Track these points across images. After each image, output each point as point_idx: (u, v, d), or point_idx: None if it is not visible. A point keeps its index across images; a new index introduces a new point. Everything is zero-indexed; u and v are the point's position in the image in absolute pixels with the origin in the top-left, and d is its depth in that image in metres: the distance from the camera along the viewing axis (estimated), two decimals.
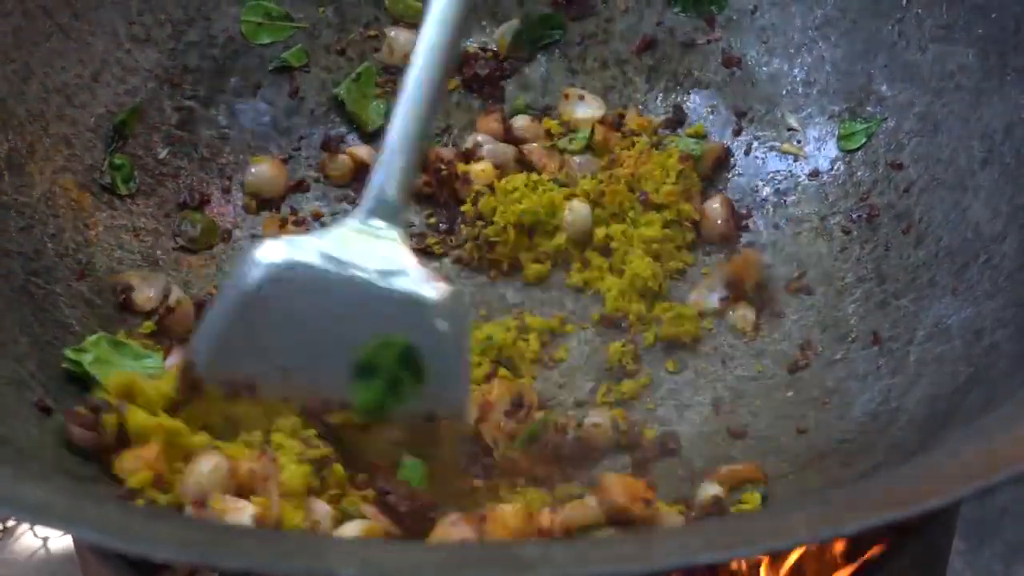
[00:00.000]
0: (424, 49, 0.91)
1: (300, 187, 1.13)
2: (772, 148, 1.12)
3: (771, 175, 1.12)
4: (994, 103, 1.02)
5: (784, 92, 1.13)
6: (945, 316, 0.97)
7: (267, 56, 1.16)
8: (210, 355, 0.90)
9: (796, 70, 1.13)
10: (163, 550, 0.68)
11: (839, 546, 0.94)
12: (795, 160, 1.11)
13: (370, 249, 0.89)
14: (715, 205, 1.09)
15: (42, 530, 1.36)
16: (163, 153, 1.11)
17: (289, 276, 0.89)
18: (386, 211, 0.90)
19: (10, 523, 1.37)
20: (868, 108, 1.09)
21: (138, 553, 0.69)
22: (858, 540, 0.93)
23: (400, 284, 0.88)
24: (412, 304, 0.88)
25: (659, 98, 1.16)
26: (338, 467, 0.88)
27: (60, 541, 1.36)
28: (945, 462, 0.76)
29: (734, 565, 0.94)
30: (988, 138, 1.02)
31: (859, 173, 1.09)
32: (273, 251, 0.89)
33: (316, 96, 1.17)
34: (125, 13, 1.12)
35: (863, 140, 1.09)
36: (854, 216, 1.07)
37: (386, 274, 0.88)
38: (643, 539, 0.71)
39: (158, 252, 1.08)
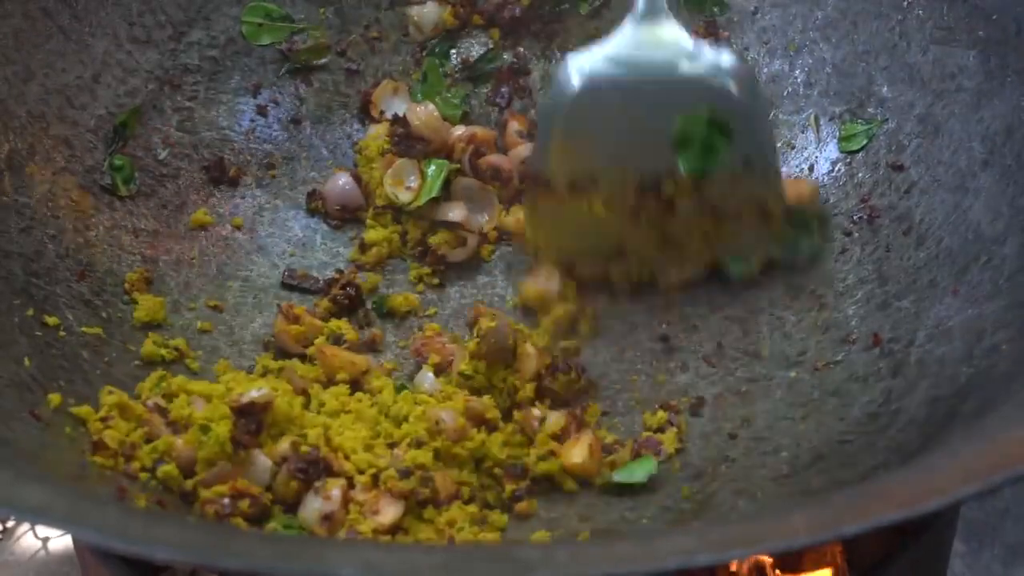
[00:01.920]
0: None
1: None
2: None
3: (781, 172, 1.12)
4: (995, 105, 1.02)
5: (785, 93, 1.13)
6: (946, 317, 0.97)
7: (267, 57, 1.16)
8: (548, 163, 1.03)
9: (797, 71, 1.13)
10: (163, 551, 0.68)
11: (839, 548, 0.94)
12: (796, 161, 1.11)
13: (656, 40, 1.02)
14: None
15: (42, 531, 1.36)
16: (163, 154, 1.11)
17: (595, 88, 1.02)
18: (656, 5, 1.02)
19: (10, 524, 1.37)
20: (869, 109, 1.10)
21: (138, 554, 0.70)
22: (858, 541, 0.93)
23: (692, 63, 1.01)
24: (708, 77, 1.01)
25: None
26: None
27: (60, 542, 1.36)
28: (945, 463, 0.76)
29: (733, 566, 0.94)
30: (989, 140, 1.02)
31: (860, 174, 1.09)
32: (573, 74, 1.02)
33: (316, 96, 1.17)
34: (125, 14, 1.12)
35: (864, 141, 1.09)
36: (855, 217, 1.07)
37: (676, 58, 1.01)
38: (642, 539, 0.71)
39: (159, 253, 1.08)
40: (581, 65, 1.03)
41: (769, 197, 1.04)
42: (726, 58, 1.02)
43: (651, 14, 1.03)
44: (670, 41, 1.02)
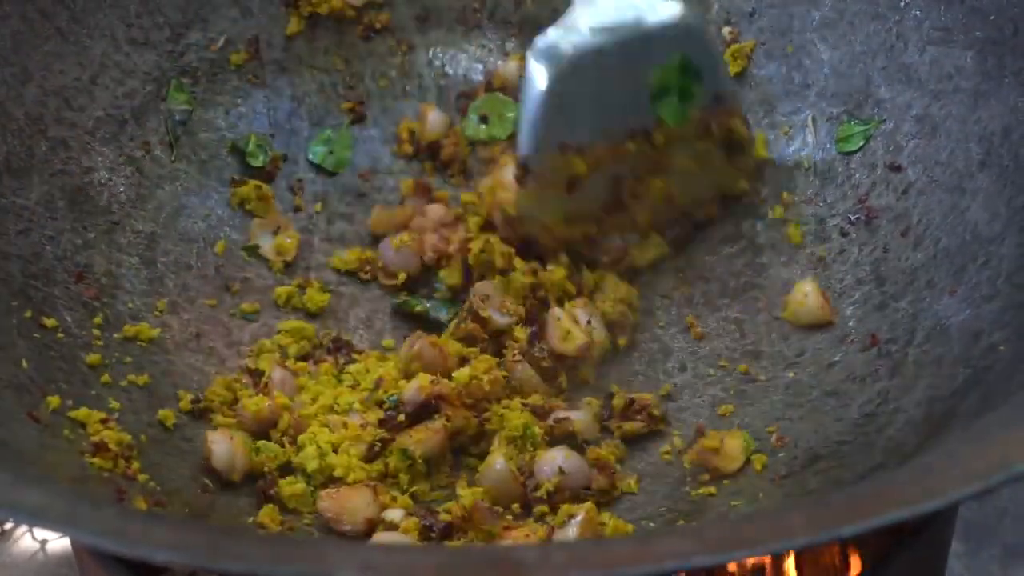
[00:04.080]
0: None
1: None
2: (771, 150, 1.12)
3: (769, 177, 1.12)
4: (992, 105, 1.02)
5: (782, 94, 1.13)
6: (943, 318, 0.97)
7: (266, 58, 1.16)
8: (534, 148, 1.05)
9: (794, 72, 1.13)
10: (162, 553, 0.68)
11: (837, 548, 0.94)
12: (793, 162, 1.11)
13: (608, 4, 1.05)
14: None
15: (40, 532, 1.36)
16: (162, 156, 1.11)
17: (567, 64, 1.04)
18: None
19: (8, 525, 1.37)
20: (866, 110, 1.09)
21: (136, 556, 0.70)
22: (857, 542, 0.93)
23: (651, 16, 1.05)
24: (668, 26, 1.05)
25: None
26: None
27: (58, 543, 1.35)
28: (944, 464, 0.76)
29: (732, 567, 0.94)
30: (986, 140, 1.02)
31: (857, 175, 1.09)
32: (543, 57, 1.04)
33: (315, 97, 1.17)
34: (123, 16, 1.12)
35: (861, 142, 1.09)
36: (852, 218, 1.07)
37: (635, 14, 1.05)
38: (641, 541, 0.71)
39: (157, 255, 1.08)
40: (548, 46, 1.04)
41: (739, 127, 1.09)
42: (674, 4, 1.05)
43: None
44: (623, 2, 1.05)
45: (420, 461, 0.96)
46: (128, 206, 1.08)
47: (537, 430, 0.97)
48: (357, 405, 1.00)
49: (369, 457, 0.97)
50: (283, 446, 0.98)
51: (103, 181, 1.08)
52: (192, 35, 1.15)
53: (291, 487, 0.96)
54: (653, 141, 1.07)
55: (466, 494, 0.93)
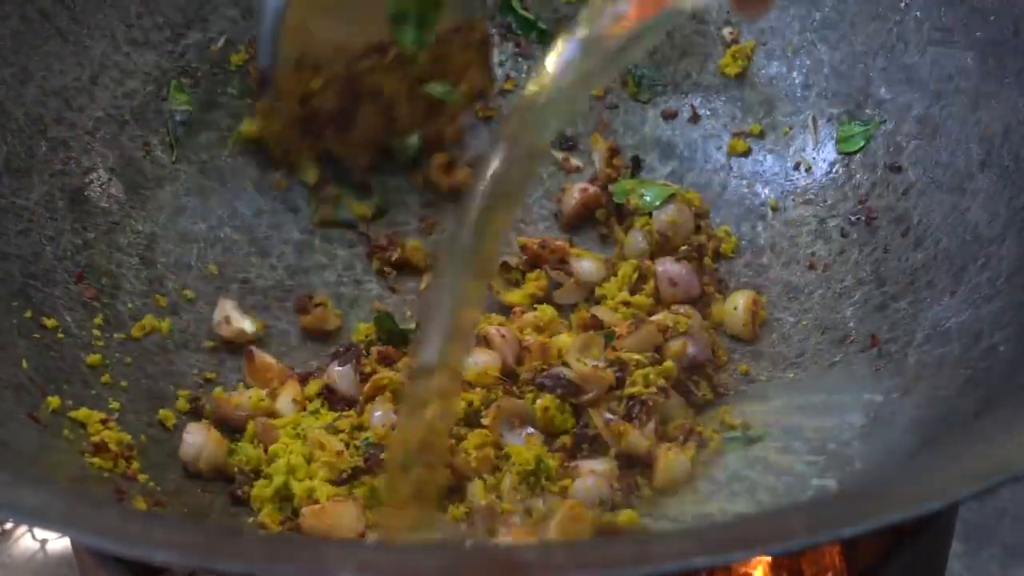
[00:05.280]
0: None
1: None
2: (771, 151, 1.12)
3: (770, 178, 1.12)
4: (993, 106, 1.02)
5: (783, 95, 1.13)
6: (944, 318, 0.97)
7: None
8: (273, 56, 1.08)
9: (795, 73, 1.13)
10: (161, 553, 0.68)
11: (837, 548, 0.94)
12: (793, 163, 1.11)
13: None
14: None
15: (40, 532, 1.36)
16: (162, 156, 1.11)
17: None
18: None
19: (8, 525, 1.37)
20: (867, 111, 1.09)
21: (136, 556, 0.69)
22: (857, 542, 0.93)
23: None
24: None
25: (649, 112, 1.16)
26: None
27: (58, 543, 1.35)
28: (944, 464, 0.76)
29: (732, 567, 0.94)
30: (987, 141, 1.02)
31: (858, 176, 1.09)
32: None
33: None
34: (123, 16, 1.12)
35: (862, 143, 1.09)
36: (853, 219, 1.07)
37: None
38: (640, 541, 0.71)
39: (157, 255, 1.08)
40: None
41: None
42: None
43: None
44: None
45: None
46: (128, 206, 1.08)
47: (551, 463, 0.94)
48: (344, 428, 0.98)
49: (337, 482, 0.94)
50: (260, 450, 0.97)
51: (103, 181, 1.08)
52: (192, 35, 1.14)
53: (261, 490, 0.95)
54: (387, 58, 1.09)
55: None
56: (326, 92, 1.09)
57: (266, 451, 0.96)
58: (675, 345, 1.00)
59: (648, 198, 1.09)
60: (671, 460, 0.94)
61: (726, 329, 1.05)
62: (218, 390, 1.01)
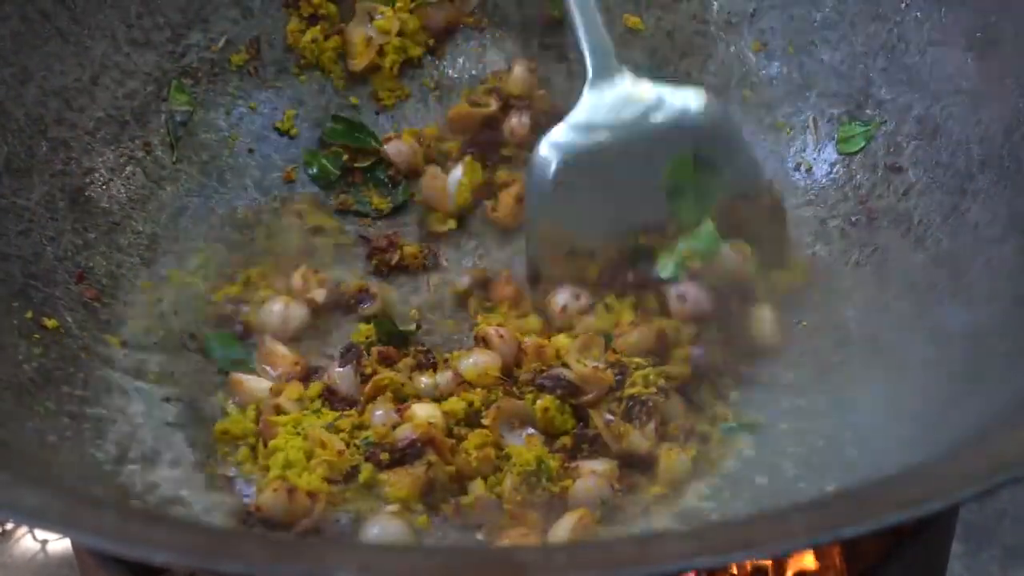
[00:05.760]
0: None
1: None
2: (771, 151, 1.12)
3: (770, 178, 1.12)
4: (993, 106, 1.02)
5: (783, 95, 1.13)
6: (944, 319, 0.97)
7: (267, 59, 1.16)
8: (542, 251, 1.03)
9: (795, 73, 1.13)
10: (162, 553, 0.68)
11: (837, 549, 0.94)
12: (794, 163, 1.11)
13: (618, 99, 1.03)
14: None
15: (41, 533, 1.36)
16: (163, 156, 1.11)
17: (573, 163, 1.02)
18: (608, 65, 1.04)
19: (9, 526, 1.37)
20: (867, 111, 1.10)
21: (136, 556, 0.70)
22: (857, 542, 0.93)
23: (662, 111, 1.02)
24: (680, 121, 1.02)
25: None
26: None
27: (59, 544, 1.36)
28: (944, 465, 0.76)
29: (732, 568, 0.94)
30: (987, 141, 1.02)
31: (858, 176, 1.09)
32: (549, 153, 1.02)
33: (315, 99, 1.17)
34: (124, 17, 1.12)
35: (862, 143, 1.09)
36: (853, 219, 1.07)
37: (644, 110, 1.03)
38: (640, 542, 0.71)
39: (158, 256, 1.08)
40: (554, 142, 1.02)
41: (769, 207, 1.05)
42: (692, 96, 1.03)
43: (605, 73, 1.04)
44: (633, 95, 1.03)
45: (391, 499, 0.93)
46: (129, 207, 1.08)
47: (552, 463, 0.94)
48: (344, 428, 0.97)
49: (335, 480, 0.94)
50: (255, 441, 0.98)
51: (104, 182, 1.08)
52: (193, 36, 1.15)
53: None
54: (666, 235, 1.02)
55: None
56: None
57: (265, 444, 0.97)
58: (680, 350, 1.00)
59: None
60: (672, 460, 0.94)
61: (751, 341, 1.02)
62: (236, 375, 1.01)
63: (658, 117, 1.02)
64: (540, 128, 1.07)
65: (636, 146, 1.02)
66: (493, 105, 1.13)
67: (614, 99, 1.03)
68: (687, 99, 1.03)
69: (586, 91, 1.04)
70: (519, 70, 1.15)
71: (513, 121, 1.13)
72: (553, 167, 1.02)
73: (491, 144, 1.13)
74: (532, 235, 1.04)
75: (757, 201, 1.05)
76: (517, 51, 1.18)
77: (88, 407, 0.96)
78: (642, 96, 1.03)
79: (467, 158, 1.11)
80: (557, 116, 1.07)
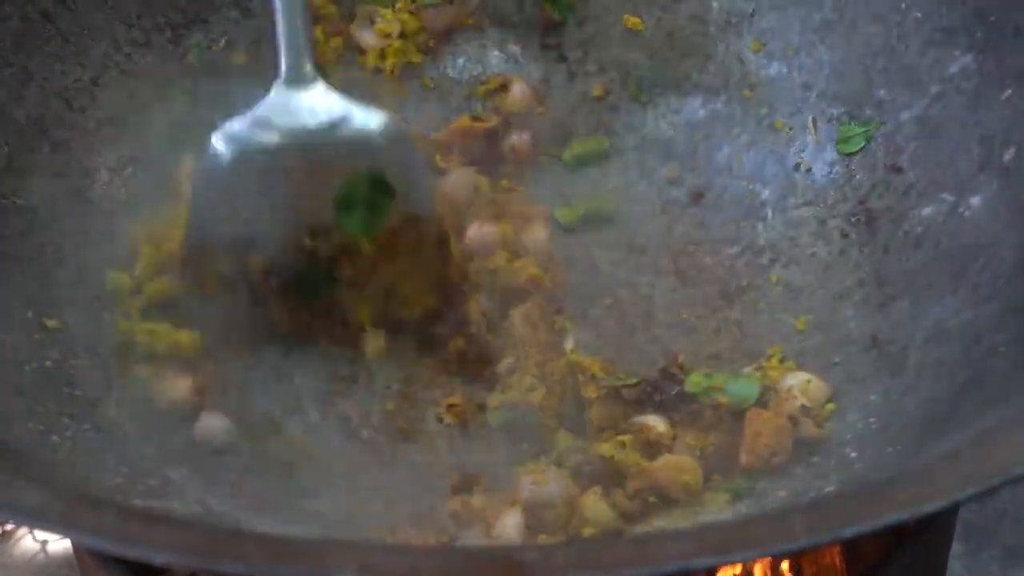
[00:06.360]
0: None
1: None
2: (771, 151, 1.12)
3: (769, 178, 1.12)
4: (992, 106, 1.02)
5: (783, 96, 1.13)
6: (944, 319, 0.97)
7: (267, 60, 1.16)
8: (201, 239, 1.02)
9: (795, 73, 1.13)
10: (162, 553, 0.68)
11: (837, 549, 0.94)
12: (793, 163, 1.12)
13: (305, 105, 1.01)
14: None
15: (41, 533, 1.36)
16: (163, 156, 1.11)
17: (248, 156, 1.00)
18: (301, 68, 1.01)
19: (8, 526, 1.37)
20: (867, 111, 1.10)
21: (136, 556, 0.70)
22: (857, 543, 0.94)
23: (344, 127, 1.01)
24: (364, 139, 1.01)
25: (649, 113, 1.16)
26: None
27: (59, 544, 1.36)
28: (944, 465, 0.76)
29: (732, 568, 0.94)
30: (987, 141, 1.02)
31: (858, 176, 1.09)
32: (224, 142, 1.00)
33: None
34: (124, 17, 1.12)
35: (862, 143, 1.09)
36: (853, 219, 1.07)
37: (329, 122, 1.01)
38: (640, 541, 0.71)
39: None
40: (232, 133, 1.01)
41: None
42: (376, 118, 1.02)
43: (298, 76, 1.02)
44: (320, 105, 1.02)
45: None
46: (129, 207, 1.08)
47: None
48: None
49: None
50: None
51: (104, 182, 1.08)
52: (193, 36, 1.15)
53: None
54: (332, 243, 1.02)
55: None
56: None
57: None
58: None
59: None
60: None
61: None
62: None
63: (342, 131, 1.01)
64: (541, 143, 1.08)
65: (314, 154, 1.01)
66: (494, 121, 1.14)
67: (301, 104, 1.02)
68: (371, 120, 1.02)
69: (275, 89, 1.02)
70: (518, 88, 1.15)
71: (513, 139, 1.13)
72: (227, 158, 1.00)
73: (492, 159, 1.14)
74: (195, 221, 1.03)
75: (425, 227, 1.03)
76: (517, 53, 1.18)
77: (88, 407, 0.96)
78: (330, 108, 1.01)
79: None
80: (559, 130, 1.08)
